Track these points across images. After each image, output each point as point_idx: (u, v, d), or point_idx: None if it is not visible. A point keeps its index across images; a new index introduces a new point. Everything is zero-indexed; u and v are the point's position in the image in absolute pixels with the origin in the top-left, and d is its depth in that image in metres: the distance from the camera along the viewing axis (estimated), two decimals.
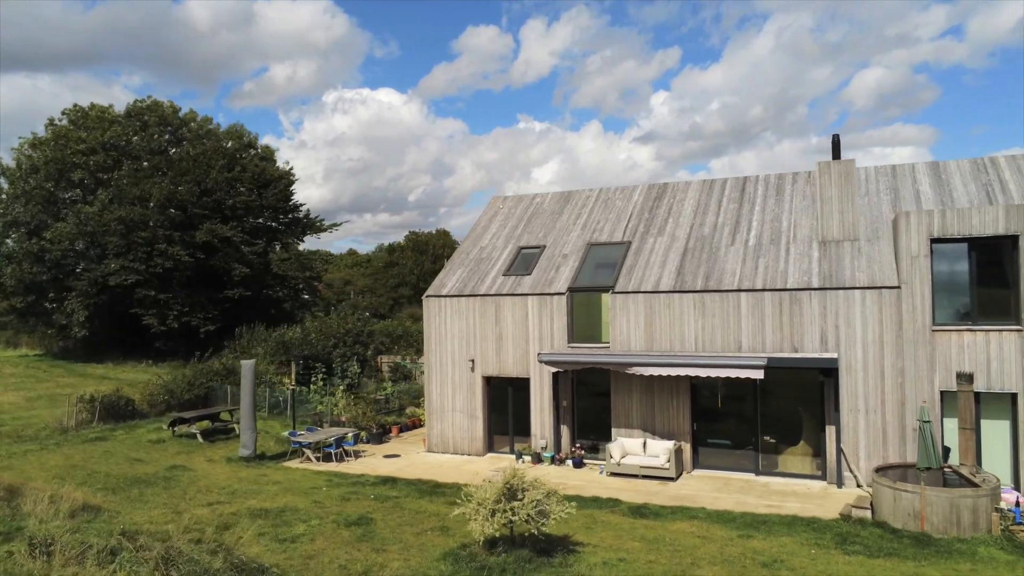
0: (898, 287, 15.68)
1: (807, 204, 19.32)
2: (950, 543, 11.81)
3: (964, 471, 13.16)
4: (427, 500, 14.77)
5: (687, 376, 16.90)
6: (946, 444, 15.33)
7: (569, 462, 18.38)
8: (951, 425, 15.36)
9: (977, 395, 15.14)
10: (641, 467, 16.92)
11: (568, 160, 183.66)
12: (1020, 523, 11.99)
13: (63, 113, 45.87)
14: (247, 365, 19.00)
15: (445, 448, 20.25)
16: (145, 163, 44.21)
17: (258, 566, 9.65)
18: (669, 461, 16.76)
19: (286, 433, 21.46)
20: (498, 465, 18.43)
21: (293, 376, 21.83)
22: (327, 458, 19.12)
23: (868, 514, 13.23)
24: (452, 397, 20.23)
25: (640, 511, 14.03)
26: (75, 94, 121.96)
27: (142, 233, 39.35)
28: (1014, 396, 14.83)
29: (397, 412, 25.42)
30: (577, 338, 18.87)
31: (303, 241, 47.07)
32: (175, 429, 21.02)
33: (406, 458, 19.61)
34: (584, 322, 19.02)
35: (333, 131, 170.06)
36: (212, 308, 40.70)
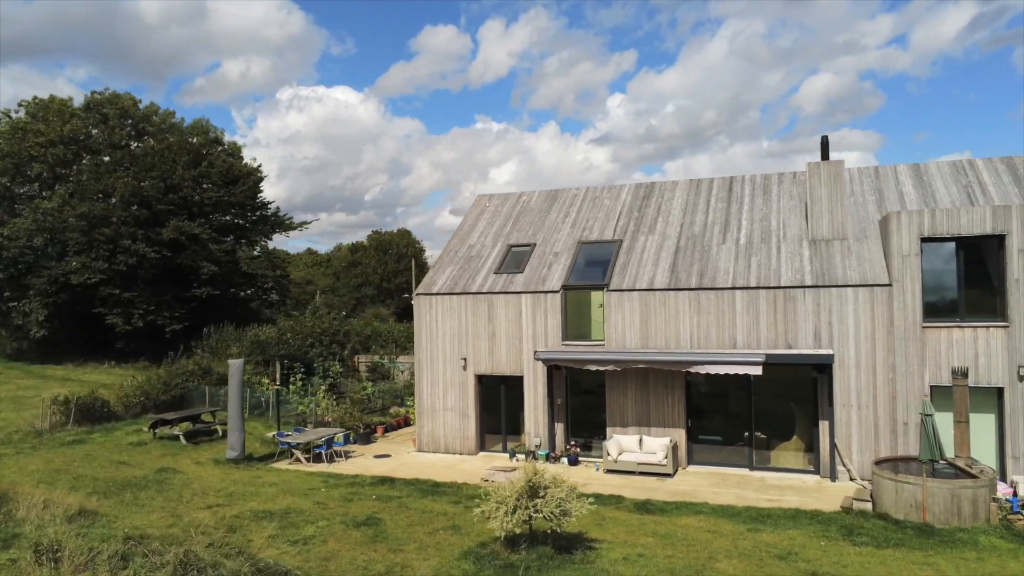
0: (889, 285, 16.09)
1: (794, 204, 19.69)
2: (952, 533, 12.15)
3: (960, 463, 13.55)
4: (430, 499, 14.61)
5: (689, 372, 17.08)
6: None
7: (564, 460, 18.38)
8: (940, 419, 15.81)
9: (927, 392, 15.64)
10: (638, 464, 17.02)
11: (526, 161, 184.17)
12: (1017, 512, 12.42)
13: (20, 105, 44.18)
14: (235, 365, 18.52)
15: (436, 447, 20.06)
16: (106, 157, 42.80)
17: (283, 570, 9.40)
18: (667, 457, 16.90)
19: (271, 434, 21.03)
20: (492, 464, 18.34)
21: (277, 376, 21.38)
22: (317, 459, 18.77)
23: (869, 506, 13.53)
24: (443, 396, 20.06)
25: (645, 507, 14.11)
26: (15, 86, 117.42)
27: (105, 230, 38.07)
28: (1000, 390, 15.35)
29: (380, 412, 25.13)
30: (571, 336, 18.90)
31: (271, 239, 46.23)
32: (156, 431, 20.37)
33: (397, 458, 19.37)
34: (575, 320, 19.06)
35: (288, 129, 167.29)
36: (179, 307, 39.59)
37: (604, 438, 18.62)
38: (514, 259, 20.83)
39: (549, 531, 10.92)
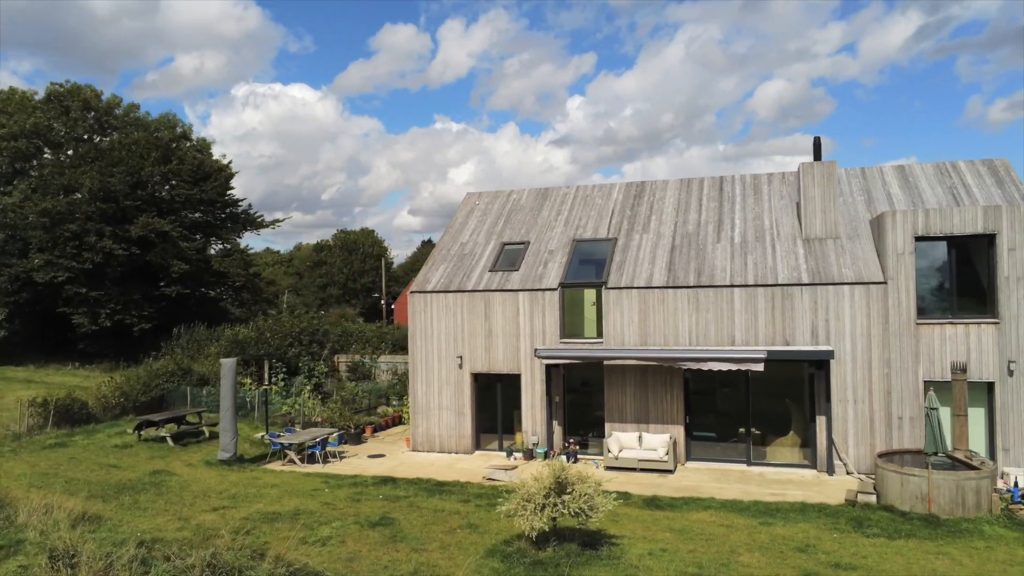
0: (884, 283, 16.47)
1: (785, 203, 20.02)
2: (957, 523, 12.48)
3: (959, 455, 13.93)
4: (438, 499, 14.45)
5: (693, 368, 17.21)
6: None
7: (563, 457, 18.36)
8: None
9: (931, 385, 16.07)
10: (639, 460, 17.10)
11: (485, 161, 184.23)
12: (1018, 502, 12.82)
13: None
14: (227, 364, 18.06)
15: (431, 447, 19.87)
16: (70, 151, 41.40)
17: (315, 572, 9.17)
18: (667, 454, 17.03)
19: (259, 435, 20.59)
20: (491, 463, 18.24)
21: (266, 376, 20.91)
22: (311, 459, 18.43)
23: (873, 499, 13.81)
24: (439, 395, 19.88)
25: (654, 503, 14.17)
26: None
27: (70, 226, 36.81)
28: (991, 385, 15.84)
29: (367, 411, 24.80)
30: (568, 334, 18.90)
31: (241, 237, 45.26)
32: (141, 433, 19.74)
33: (392, 458, 19.12)
34: (574, 318, 19.08)
35: (243, 126, 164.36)
36: (147, 306, 38.49)
37: (601, 436, 18.68)
38: (508, 257, 20.76)
39: (578, 527, 10.89)
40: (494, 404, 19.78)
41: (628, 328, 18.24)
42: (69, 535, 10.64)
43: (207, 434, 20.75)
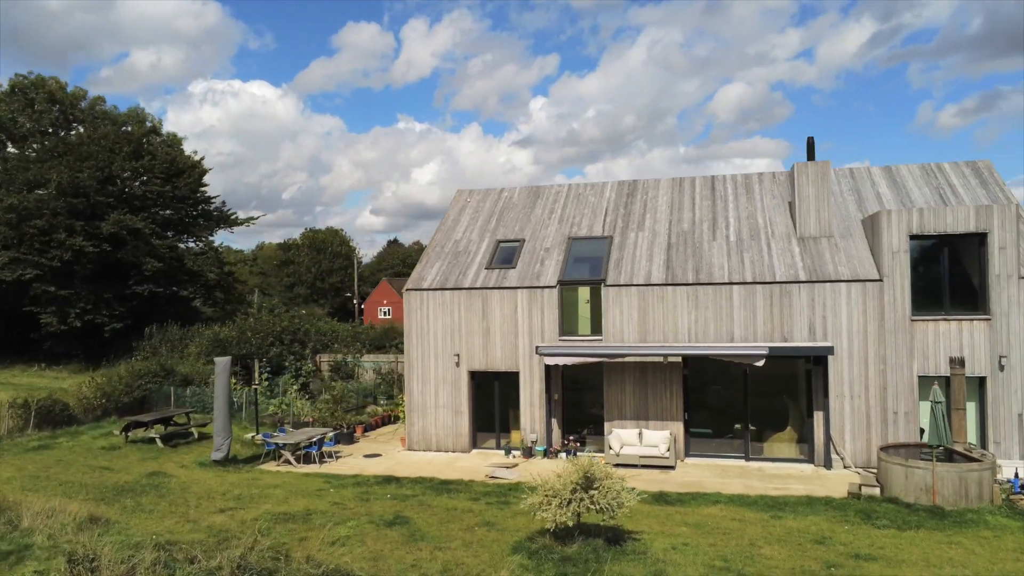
0: (880, 280, 16.82)
1: (777, 203, 20.32)
2: (962, 514, 12.79)
3: (958, 448, 14.28)
4: (446, 497, 14.32)
5: (697, 362, 17.37)
6: (921, 426, 16.64)
7: (563, 455, 18.36)
8: (927, 407, 16.63)
9: (948, 379, 16.51)
10: (641, 457, 17.17)
11: (448, 161, 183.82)
12: (1019, 493, 13.20)
13: None
14: (221, 363, 17.64)
15: (428, 446, 19.69)
16: (35, 145, 40.05)
17: (347, 572, 8.99)
18: (669, 450, 17.14)
19: (250, 435, 20.18)
20: (490, 461, 18.16)
21: (256, 376, 20.51)
22: (306, 459, 18.11)
23: (877, 491, 14.08)
24: (435, 393, 19.70)
25: (662, 499, 14.23)
26: None
27: (37, 222, 35.59)
28: (982, 379, 16.28)
29: (355, 411, 24.46)
30: (567, 331, 18.91)
31: (214, 235, 44.24)
32: (128, 434, 19.16)
33: (389, 457, 18.90)
34: (569, 316, 19.09)
35: (201, 123, 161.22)
36: (118, 305, 37.41)
37: (599, 433, 18.74)
38: (504, 254, 20.68)
39: (594, 524, 10.88)
40: (491, 402, 19.68)
41: (628, 325, 18.32)
42: (78, 539, 10.29)
43: (196, 435, 20.24)
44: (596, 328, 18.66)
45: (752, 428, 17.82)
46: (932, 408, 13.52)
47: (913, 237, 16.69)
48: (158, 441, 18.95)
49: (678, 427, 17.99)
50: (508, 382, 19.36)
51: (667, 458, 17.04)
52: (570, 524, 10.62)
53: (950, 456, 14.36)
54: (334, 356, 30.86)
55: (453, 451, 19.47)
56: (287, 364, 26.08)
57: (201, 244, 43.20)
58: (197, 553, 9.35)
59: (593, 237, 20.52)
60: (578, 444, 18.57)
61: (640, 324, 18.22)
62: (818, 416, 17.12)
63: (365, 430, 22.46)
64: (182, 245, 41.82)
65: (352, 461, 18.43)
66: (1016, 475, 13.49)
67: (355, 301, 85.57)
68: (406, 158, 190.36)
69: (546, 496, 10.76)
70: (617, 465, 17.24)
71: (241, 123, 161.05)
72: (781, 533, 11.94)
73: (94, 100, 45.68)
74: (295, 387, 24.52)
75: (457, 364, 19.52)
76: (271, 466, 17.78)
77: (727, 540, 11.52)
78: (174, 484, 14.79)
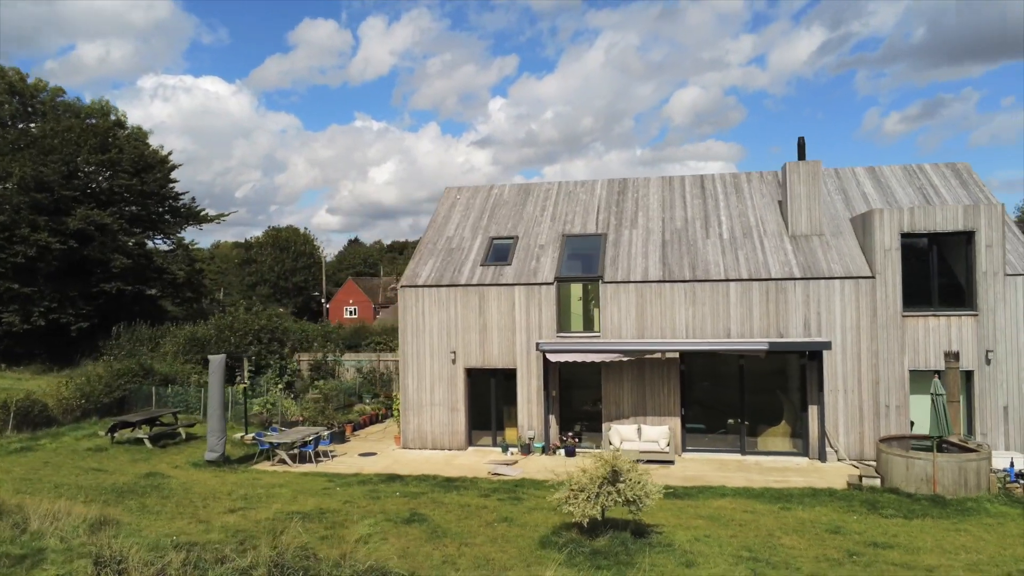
0: (872, 277, 17.26)
1: (767, 201, 20.70)
2: (962, 502, 13.21)
3: (953, 439, 14.73)
4: (456, 494, 14.22)
5: (696, 356, 17.60)
6: (911, 419, 17.13)
7: (561, 451, 18.41)
8: (917, 401, 17.17)
9: (938, 373, 17.03)
10: (641, 452, 17.28)
11: (406, 161, 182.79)
12: (1014, 481, 13.68)
13: None
14: (215, 361, 17.22)
15: (423, 444, 19.53)
16: None
17: (387, 570, 8.85)
18: (669, 445, 17.32)
19: (239, 435, 19.78)
20: (489, 458, 18.11)
21: (245, 374, 20.08)
22: (301, 459, 17.81)
23: (877, 482, 14.45)
24: (431, 391, 19.55)
25: (671, 493, 14.29)
26: None
27: None
28: (969, 373, 16.82)
29: (342, 410, 24.12)
30: (564, 327, 18.96)
31: (184, 231, 43.13)
32: (114, 435, 18.56)
33: (385, 455, 18.70)
34: (566, 312, 19.15)
35: (151, 119, 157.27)
36: (84, 304, 36.22)
37: (595, 430, 18.84)
38: (498, 251, 20.63)
39: (617, 518, 10.94)
40: (487, 400, 19.62)
41: (626, 322, 18.45)
42: (92, 541, 9.95)
43: (183, 435, 19.72)
44: (594, 325, 18.75)
45: (752, 423, 18.11)
46: (933, 400, 13.93)
47: (904, 235, 17.16)
48: (147, 442, 18.41)
49: (675, 423, 18.18)
50: (505, 379, 19.33)
51: (667, 453, 17.22)
52: (598, 517, 10.66)
53: (939, 447, 14.83)
54: (314, 355, 30.39)
55: (449, 449, 19.35)
56: (271, 363, 25.59)
57: (169, 241, 42.10)
58: (227, 552, 9.12)
59: (587, 234, 20.61)
60: (576, 440, 18.63)
61: (638, 320, 18.37)
62: (812, 410, 17.49)
63: (354, 429, 22.17)
64: (150, 242, 40.69)
65: (348, 460, 18.18)
66: (1012, 464, 13.99)
67: (322, 300, 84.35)
68: (363, 157, 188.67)
69: (572, 491, 10.78)
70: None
71: (193, 120, 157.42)
72: (795, 524, 12.16)
73: (55, 91, 44.14)
74: (279, 386, 24.09)
75: (453, 361, 19.40)
76: (265, 466, 17.43)
77: (745, 531, 11.69)
78: (174, 485, 14.38)
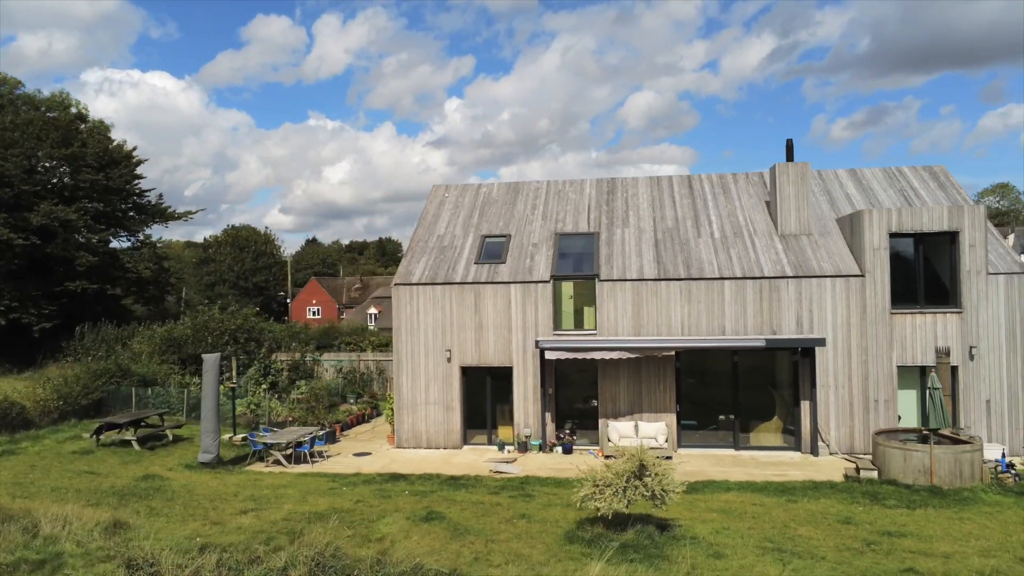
0: (862, 275, 17.76)
1: (755, 202, 21.12)
2: (958, 492, 13.69)
3: (946, 431, 15.25)
4: (464, 492, 14.17)
5: (691, 354, 17.82)
6: (899, 413, 17.69)
7: (558, 449, 18.48)
8: (904, 395, 17.73)
9: (923, 368, 17.64)
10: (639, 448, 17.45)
11: (361, 160, 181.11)
12: (1005, 471, 14.24)
13: None
14: (210, 359, 16.80)
15: (418, 443, 19.38)
16: None
17: (433, 568, 8.76)
18: (667, 441, 17.54)
19: (227, 436, 19.33)
20: (487, 457, 18.08)
21: (234, 375, 19.64)
22: (296, 459, 17.50)
23: (875, 474, 14.87)
24: (425, 389, 19.42)
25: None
26: None
27: None
28: (954, 368, 17.43)
29: (329, 409, 23.76)
30: (560, 326, 19.03)
31: (150, 228, 41.88)
32: (100, 437, 17.95)
33: (381, 455, 18.51)
34: (560, 310, 19.23)
35: (96, 114, 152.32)
36: (48, 303, 34.93)
37: (591, 427, 18.96)
38: (491, 249, 20.61)
39: (636, 514, 11.06)
40: (482, 398, 19.57)
41: (622, 319, 18.61)
42: (108, 544, 9.65)
43: (171, 437, 19.20)
44: (592, 323, 18.87)
45: (745, 419, 18.44)
46: (930, 394, 14.40)
47: (893, 235, 17.70)
48: (134, 444, 17.86)
49: (671, 419, 18.41)
50: (500, 377, 19.31)
51: (665, 449, 17.43)
52: (624, 512, 10.74)
53: (924, 439, 15.37)
54: (292, 355, 29.86)
55: (444, 448, 19.25)
56: (256, 362, 25.07)
57: (134, 239, 40.90)
58: (260, 553, 8.94)
59: (579, 233, 20.73)
60: (573, 438, 18.72)
61: (635, 318, 18.55)
62: (805, 405, 17.89)
63: (342, 429, 21.88)
64: (115, 240, 39.51)
65: (344, 460, 17.94)
66: (1003, 455, 14.55)
67: (288, 301, 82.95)
68: (317, 156, 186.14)
69: (597, 486, 10.84)
70: (613, 457, 17.51)
71: (140, 115, 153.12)
72: (805, 516, 12.44)
73: (12, 83, 42.46)
74: (264, 386, 23.64)
75: (449, 360, 19.31)
76: (259, 467, 17.10)
77: (760, 523, 11.92)
78: (175, 487, 13.99)
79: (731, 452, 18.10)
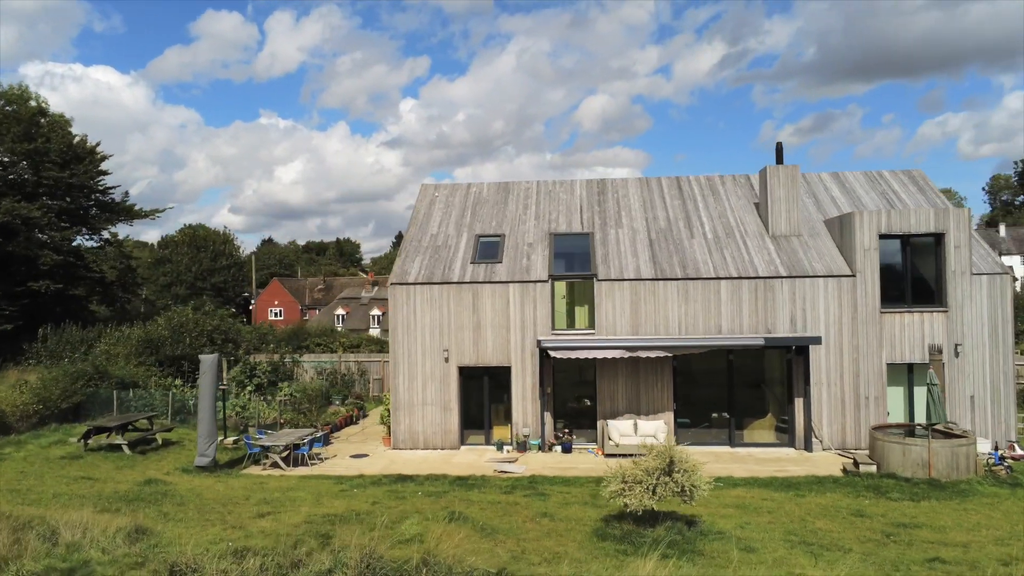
0: (853, 276, 18.26)
1: (744, 203, 21.54)
2: (955, 484, 14.19)
3: (939, 426, 15.77)
4: (477, 492, 14.11)
5: (687, 352, 18.05)
6: (888, 409, 18.24)
7: (558, 448, 18.54)
8: (893, 392, 18.28)
9: (911, 366, 18.23)
10: (640, 446, 17.60)
11: (314, 160, 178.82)
12: (998, 464, 14.81)
13: None
14: (208, 360, 16.37)
15: (415, 444, 19.22)
16: None
17: (479, 568, 8.71)
18: (666, 439, 17.73)
19: (219, 439, 18.84)
20: (487, 456, 18.05)
21: (225, 376, 19.17)
22: (293, 462, 17.19)
23: (874, 468, 15.31)
24: (422, 390, 19.27)
25: None
26: None
27: None
28: (941, 365, 18.05)
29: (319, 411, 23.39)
30: (558, 325, 19.10)
31: (115, 227, 40.59)
32: (88, 441, 17.32)
33: (379, 456, 18.30)
34: (559, 309, 19.32)
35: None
36: (8, 304, 33.56)
37: (589, 427, 19.08)
38: (486, 249, 20.57)
39: (661, 511, 11.20)
40: (480, 398, 19.51)
41: (620, 319, 18.78)
42: (133, 551, 9.36)
43: (160, 441, 18.65)
44: (590, 322, 18.98)
45: (742, 416, 18.77)
46: (929, 390, 14.88)
47: (882, 236, 18.24)
48: (125, 448, 17.28)
49: (669, 417, 18.64)
50: (498, 377, 19.28)
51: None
52: (654, 507, 10.85)
53: (911, 432, 15.90)
54: (271, 356, 29.30)
55: (442, 448, 19.13)
56: (240, 363, 24.52)
57: (98, 238, 39.59)
58: (301, 556, 8.77)
59: (574, 233, 20.84)
60: (572, 437, 18.80)
61: (632, 317, 18.73)
62: (799, 403, 18.31)
63: (332, 430, 21.57)
64: (79, 238, 38.17)
65: (342, 462, 17.69)
66: (996, 448, 15.13)
67: (253, 302, 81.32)
68: (269, 155, 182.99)
69: (625, 483, 10.93)
70: (616, 456, 17.66)
71: (83, 110, 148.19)
72: (818, 510, 12.74)
73: None
74: (250, 388, 23.15)
75: (446, 360, 19.20)
76: (255, 470, 16.74)
77: (778, 518, 12.16)
78: (182, 491, 13.61)
79: (727, 449, 18.41)
